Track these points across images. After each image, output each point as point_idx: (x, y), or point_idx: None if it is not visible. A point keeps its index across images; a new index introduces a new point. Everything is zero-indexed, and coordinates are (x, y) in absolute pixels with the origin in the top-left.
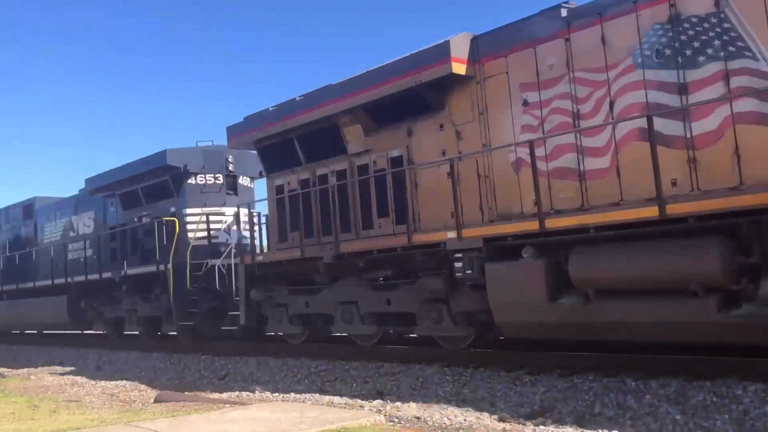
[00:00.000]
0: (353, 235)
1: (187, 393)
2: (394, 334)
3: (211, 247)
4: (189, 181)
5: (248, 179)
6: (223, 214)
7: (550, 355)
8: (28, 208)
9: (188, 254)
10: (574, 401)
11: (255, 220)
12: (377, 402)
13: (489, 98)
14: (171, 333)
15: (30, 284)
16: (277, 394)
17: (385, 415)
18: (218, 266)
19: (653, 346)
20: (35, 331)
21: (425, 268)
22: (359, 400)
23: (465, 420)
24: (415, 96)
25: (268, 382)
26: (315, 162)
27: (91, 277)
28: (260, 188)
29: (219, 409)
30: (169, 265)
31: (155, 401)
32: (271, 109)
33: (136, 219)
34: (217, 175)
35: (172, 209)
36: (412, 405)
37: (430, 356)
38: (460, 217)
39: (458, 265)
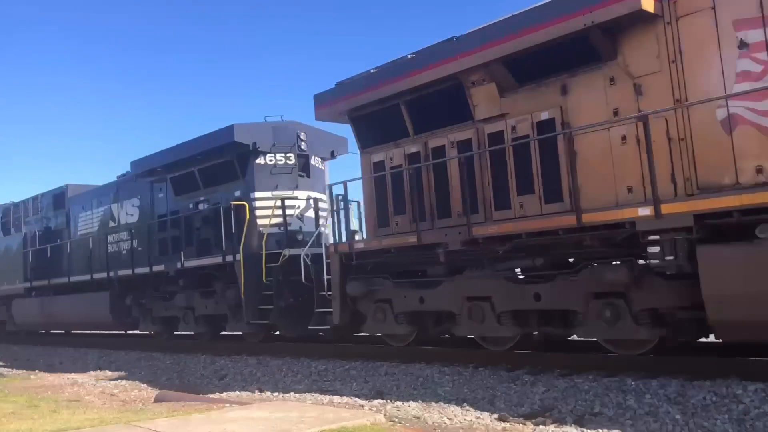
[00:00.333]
0: (482, 217)
1: (187, 393)
2: (540, 336)
3: (287, 236)
4: (257, 161)
5: (319, 159)
6: (296, 198)
7: (550, 354)
8: (59, 198)
9: (263, 243)
10: (574, 401)
11: (337, 205)
12: (377, 402)
13: (685, 41)
14: (234, 333)
15: (63, 279)
16: (277, 394)
17: (385, 415)
18: (303, 257)
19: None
20: (63, 331)
21: (595, 256)
22: (359, 400)
23: (465, 419)
24: (579, 43)
25: (268, 381)
26: (427, 132)
27: (139, 270)
28: (333, 171)
29: (219, 409)
30: (239, 256)
31: (155, 401)
32: (372, 71)
33: (191, 206)
34: (288, 155)
35: (237, 193)
36: (412, 405)
37: (429, 356)
38: (656, 190)
39: (653, 249)
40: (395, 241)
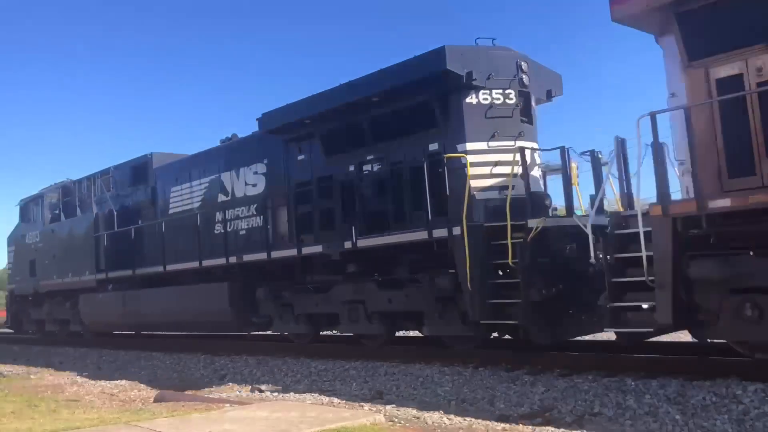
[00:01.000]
0: None
1: (187, 392)
2: None
3: (531, 201)
4: (468, 99)
5: (533, 100)
6: (523, 150)
7: (550, 354)
8: (141, 169)
9: (481, 212)
10: (573, 401)
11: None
12: (377, 401)
13: None
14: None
15: (156, 269)
16: (276, 394)
17: (384, 415)
18: (589, 228)
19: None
20: (148, 333)
21: None
22: (359, 400)
23: (465, 420)
24: None
25: (268, 381)
26: None
27: (279, 254)
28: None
29: (219, 409)
30: (458, 230)
31: (155, 401)
32: None
33: (351, 168)
34: (507, 91)
35: (433, 146)
36: (412, 404)
37: (429, 356)
38: None
39: None
40: None
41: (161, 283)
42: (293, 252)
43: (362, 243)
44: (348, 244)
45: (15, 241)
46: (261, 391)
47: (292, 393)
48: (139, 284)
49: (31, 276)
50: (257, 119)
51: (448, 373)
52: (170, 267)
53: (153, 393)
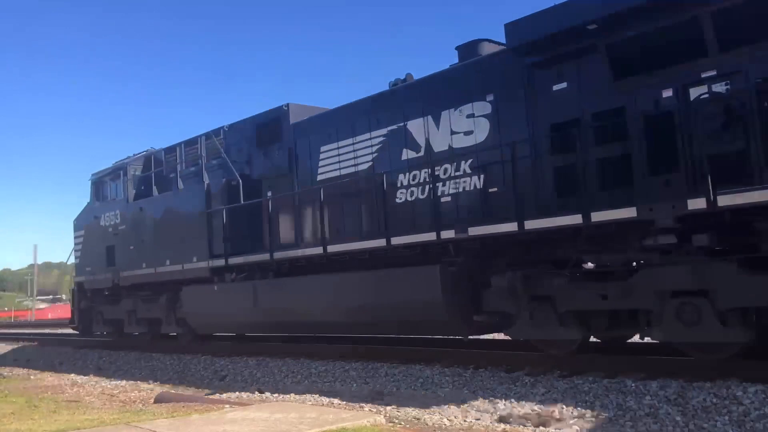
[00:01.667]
0: None
1: (187, 393)
2: None
3: None
4: None
5: None
6: None
7: (550, 355)
8: (272, 126)
9: None
10: (573, 402)
11: None
12: (377, 402)
13: None
14: None
15: (315, 250)
16: (277, 395)
17: (384, 416)
18: None
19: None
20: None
21: None
22: (359, 401)
23: (465, 421)
24: None
25: (268, 382)
26: None
27: (536, 224)
28: None
29: (219, 410)
30: None
31: (155, 401)
32: None
33: (667, 92)
34: None
35: None
36: (412, 405)
37: (429, 357)
38: None
39: None
40: None
41: (304, 271)
42: (571, 219)
43: (725, 201)
44: (693, 204)
45: (85, 224)
46: (261, 392)
47: (292, 394)
48: (273, 273)
49: (108, 266)
50: (510, 26)
51: (448, 374)
52: (333, 248)
53: (153, 394)
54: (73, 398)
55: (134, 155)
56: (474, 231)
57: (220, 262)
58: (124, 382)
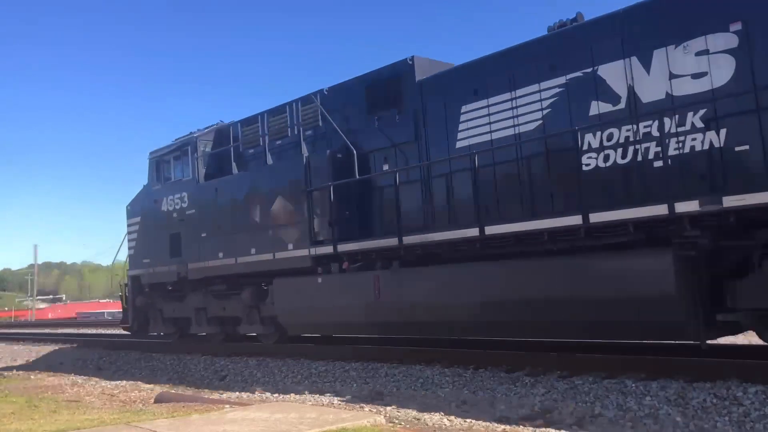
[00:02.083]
0: None
1: (187, 393)
2: None
3: None
4: None
5: None
6: None
7: (550, 356)
8: (390, 86)
9: None
10: (574, 402)
11: None
12: (377, 402)
13: None
14: None
15: (467, 232)
16: (277, 395)
17: (385, 416)
18: None
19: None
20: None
21: None
22: (359, 401)
23: (465, 421)
24: None
25: (268, 382)
26: None
27: None
28: None
29: (219, 410)
30: None
31: (155, 401)
32: None
33: None
34: None
35: None
36: (412, 406)
37: (430, 357)
38: None
39: None
40: None
41: (437, 259)
42: None
43: None
44: None
45: (142, 210)
46: (261, 392)
47: (292, 394)
48: (387, 262)
49: (172, 256)
50: None
51: (448, 374)
52: (496, 229)
53: (153, 393)
54: (73, 398)
55: (200, 130)
56: (733, 201)
57: (326, 249)
58: (124, 382)
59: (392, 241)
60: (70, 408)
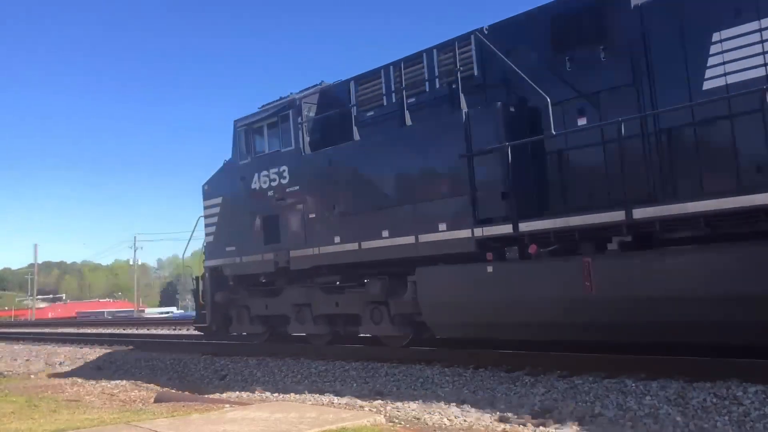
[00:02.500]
0: None
1: (187, 393)
2: None
3: None
4: None
5: None
6: None
7: (550, 355)
8: (587, 17)
9: None
10: (574, 402)
11: None
12: (377, 402)
13: None
14: None
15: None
16: (277, 395)
17: (385, 416)
18: None
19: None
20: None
21: None
22: (359, 401)
23: (465, 420)
24: None
25: (268, 382)
26: None
27: None
28: None
29: (219, 409)
30: None
31: (155, 401)
32: None
33: None
34: None
35: None
36: (412, 405)
37: (429, 357)
38: None
39: None
40: None
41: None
42: None
43: None
44: None
45: (225, 189)
46: (261, 391)
47: (292, 393)
48: (600, 245)
49: (267, 242)
50: None
51: (448, 374)
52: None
53: (153, 393)
54: (73, 397)
55: (301, 91)
56: None
57: (501, 230)
58: (124, 382)
59: (614, 216)
60: (70, 407)
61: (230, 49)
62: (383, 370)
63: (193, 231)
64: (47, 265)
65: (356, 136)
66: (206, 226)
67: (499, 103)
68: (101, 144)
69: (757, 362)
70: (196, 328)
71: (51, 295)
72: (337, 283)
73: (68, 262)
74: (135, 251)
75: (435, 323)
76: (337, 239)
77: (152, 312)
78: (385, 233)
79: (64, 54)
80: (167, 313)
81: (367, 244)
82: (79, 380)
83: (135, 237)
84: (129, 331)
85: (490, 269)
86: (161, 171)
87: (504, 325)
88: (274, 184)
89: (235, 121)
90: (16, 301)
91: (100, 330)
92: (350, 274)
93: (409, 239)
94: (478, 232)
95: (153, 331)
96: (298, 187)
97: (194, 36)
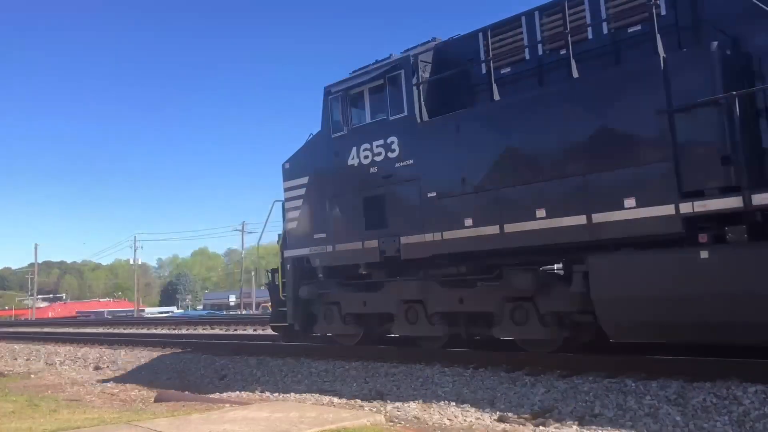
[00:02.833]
0: None
1: (187, 392)
2: None
3: None
4: None
5: None
6: None
7: (550, 355)
8: None
9: None
10: (574, 402)
11: None
12: (377, 402)
13: None
14: None
15: None
16: (277, 394)
17: (385, 415)
18: None
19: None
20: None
21: None
22: (359, 400)
23: (465, 420)
24: None
25: (268, 381)
26: None
27: None
28: None
29: (219, 409)
30: None
31: (155, 401)
32: None
33: None
34: None
35: None
36: (412, 405)
37: (429, 357)
38: None
39: None
40: None
41: None
42: None
43: None
44: None
45: (312, 166)
46: (262, 391)
47: (292, 393)
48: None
49: (369, 228)
50: None
51: (448, 373)
52: None
53: (153, 393)
54: (73, 397)
55: (413, 48)
56: None
57: (726, 203)
58: (124, 382)
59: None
60: (70, 407)
61: (227, 50)
62: (383, 370)
63: (267, 218)
64: (47, 265)
65: (496, 95)
66: (287, 210)
67: (716, 43)
68: (101, 144)
69: (756, 362)
70: (273, 329)
71: (51, 295)
72: (465, 274)
73: (68, 261)
74: (135, 251)
75: (614, 324)
76: (468, 222)
77: (152, 312)
78: (541, 213)
79: (64, 54)
80: (167, 312)
81: (512, 227)
82: (79, 380)
83: (135, 237)
84: (129, 330)
85: (705, 255)
86: (161, 171)
87: (723, 325)
88: (378, 159)
89: (326, 87)
90: (16, 301)
91: (100, 330)
92: (477, 264)
93: (579, 219)
94: (686, 207)
95: (153, 331)
96: (411, 161)
97: (194, 36)
